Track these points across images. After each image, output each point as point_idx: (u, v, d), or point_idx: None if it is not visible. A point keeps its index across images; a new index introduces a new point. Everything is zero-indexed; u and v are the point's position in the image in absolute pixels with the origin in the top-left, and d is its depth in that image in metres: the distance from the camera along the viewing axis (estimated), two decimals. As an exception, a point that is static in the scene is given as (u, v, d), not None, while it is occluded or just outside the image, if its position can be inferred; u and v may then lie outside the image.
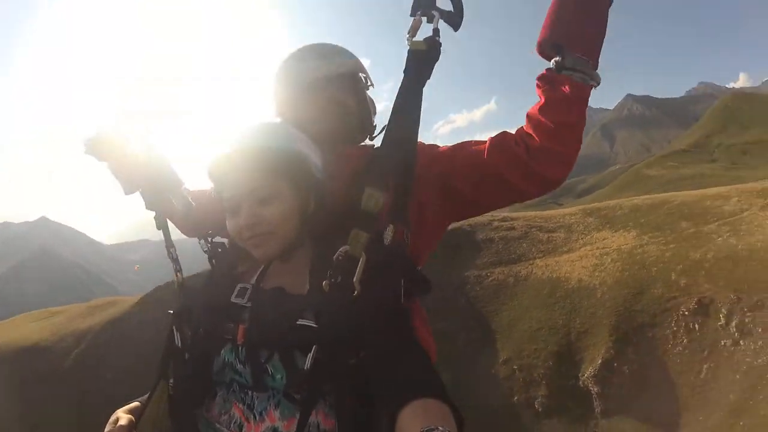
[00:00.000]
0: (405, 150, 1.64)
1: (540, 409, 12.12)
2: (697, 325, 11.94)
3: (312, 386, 1.47)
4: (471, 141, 1.99)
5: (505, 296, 15.03)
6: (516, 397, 12.28)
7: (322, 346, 1.46)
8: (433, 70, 1.61)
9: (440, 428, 1.08)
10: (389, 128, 1.64)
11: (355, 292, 1.52)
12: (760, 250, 13.02)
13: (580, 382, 12.11)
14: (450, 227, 2.35)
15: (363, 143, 2.18)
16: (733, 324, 11.53)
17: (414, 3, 1.61)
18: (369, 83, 2.24)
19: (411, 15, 1.61)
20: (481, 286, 15.19)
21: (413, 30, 1.62)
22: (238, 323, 1.61)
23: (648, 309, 12.70)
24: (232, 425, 1.57)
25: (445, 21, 1.64)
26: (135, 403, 1.73)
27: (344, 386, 1.48)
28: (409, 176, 1.66)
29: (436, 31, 1.62)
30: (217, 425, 1.60)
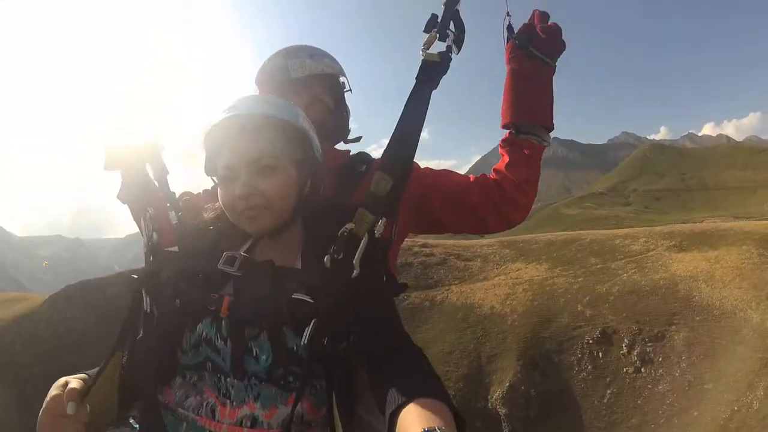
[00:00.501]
0: (409, 146, 1.68)
1: (449, 430, 12.34)
2: (600, 353, 12.63)
3: (308, 365, 1.41)
4: (452, 172, 2.21)
5: (420, 319, 15.33)
6: (427, 418, 12.46)
7: (320, 322, 1.39)
8: (441, 80, 1.75)
9: (441, 429, 1.07)
10: (399, 125, 1.68)
11: (355, 273, 1.47)
12: (662, 287, 13.99)
13: (489, 404, 12.47)
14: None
15: (336, 145, 2.27)
16: (635, 353, 12.32)
17: (429, 21, 1.74)
18: (348, 88, 2.34)
19: (425, 31, 1.73)
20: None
21: (428, 44, 1.72)
22: (223, 295, 1.49)
23: (555, 336, 13.28)
24: (203, 409, 1.44)
25: (453, 42, 1.76)
26: (82, 375, 1.50)
27: (341, 370, 1.41)
28: (407, 173, 1.68)
29: (449, 48, 1.74)
30: (180, 410, 1.46)
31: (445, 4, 1.74)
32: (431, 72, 1.72)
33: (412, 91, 1.71)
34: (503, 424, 12.12)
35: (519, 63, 2.05)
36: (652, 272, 15.15)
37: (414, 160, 1.74)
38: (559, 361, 12.84)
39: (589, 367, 12.51)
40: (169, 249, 1.69)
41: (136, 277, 1.63)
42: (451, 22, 1.76)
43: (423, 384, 1.25)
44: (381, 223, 1.55)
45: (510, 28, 2.08)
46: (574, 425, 11.80)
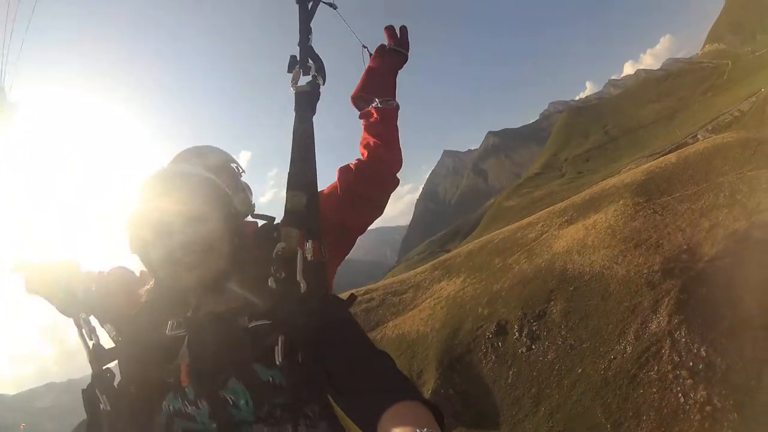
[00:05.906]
0: (308, 162, 1.71)
1: (395, 446, 14.82)
2: (499, 343, 15.18)
3: (291, 384, 1.39)
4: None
5: (365, 362, 17.61)
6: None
7: (288, 337, 1.37)
8: (317, 105, 1.86)
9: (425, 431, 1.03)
10: (294, 149, 1.74)
11: (303, 288, 1.48)
12: (542, 269, 16.56)
13: (423, 412, 14.86)
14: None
15: (246, 219, 2.28)
16: (525, 334, 14.90)
17: (290, 62, 1.87)
18: (241, 171, 2.49)
19: (289, 71, 1.87)
20: (347, 360, 17.71)
21: (295, 79, 1.85)
22: (178, 363, 1.45)
23: (463, 341, 15.84)
24: None
25: (317, 72, 1.90)
26: None
27: (326, 390, 1.40)
28: (314, 186, 1.71)
29: (315, 76, 1.89)
30: None
31: (299, 44, 1.90)
32: (305, 100, 1.81)
33: (295, 120, 1.79)
34: (438, 425, 14.49)
35: (382, 61, 2.36)
36: (537, 257, 17.38)
37: (317, 178, 1.76)
38: (470, 360, 15.25)
39: (493, 357, 14.92)
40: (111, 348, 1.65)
41: (85, 388, 1.56)
42: (309, 58, 1.90)
43: (398, 386, 1.25)
44: (309, 246, 1.57)
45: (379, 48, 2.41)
46: (489, 408, 14.03)
